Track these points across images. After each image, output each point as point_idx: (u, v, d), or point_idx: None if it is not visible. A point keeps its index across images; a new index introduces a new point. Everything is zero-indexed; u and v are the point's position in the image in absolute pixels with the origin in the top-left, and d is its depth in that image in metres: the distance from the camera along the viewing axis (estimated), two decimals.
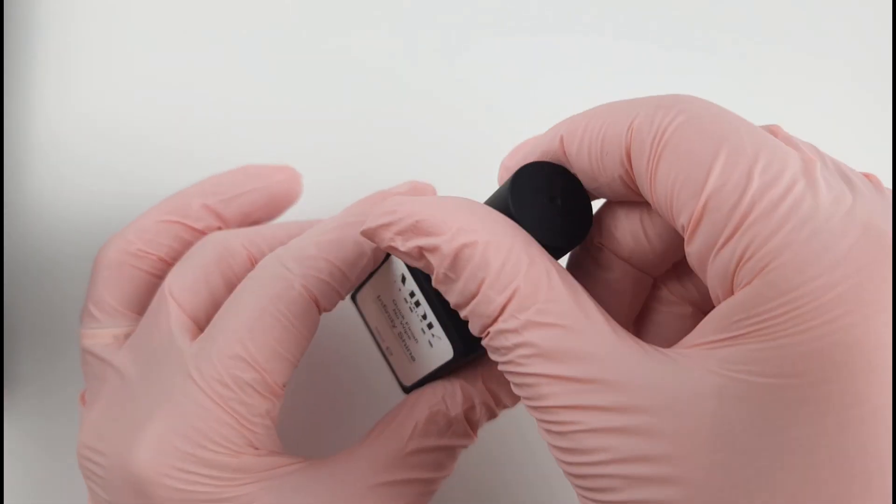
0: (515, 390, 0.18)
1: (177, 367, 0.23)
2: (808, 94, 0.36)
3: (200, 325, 0.25)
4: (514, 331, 0.18)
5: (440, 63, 0.35)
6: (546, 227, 0.19)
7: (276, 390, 0.23)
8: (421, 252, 0.19)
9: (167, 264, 0.27)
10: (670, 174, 0.17)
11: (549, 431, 0.18)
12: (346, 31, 0.35)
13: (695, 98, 0.18)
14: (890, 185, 0.20)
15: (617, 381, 0.17)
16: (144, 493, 0.22)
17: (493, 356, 0.19)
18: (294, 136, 0.34)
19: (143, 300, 0.27)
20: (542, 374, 0.17)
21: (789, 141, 0.18)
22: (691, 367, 0.16)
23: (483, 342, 0.19)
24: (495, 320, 0.18)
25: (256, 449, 0.23)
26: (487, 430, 0.27)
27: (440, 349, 0.24)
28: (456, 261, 0.18)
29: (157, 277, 0.27)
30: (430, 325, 0.24)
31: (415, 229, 0.19)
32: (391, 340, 0.26)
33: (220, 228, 0.28)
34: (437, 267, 0.19)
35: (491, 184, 0.23)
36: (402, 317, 0.25)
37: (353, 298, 0.27)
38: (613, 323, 0.18)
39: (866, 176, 0.17)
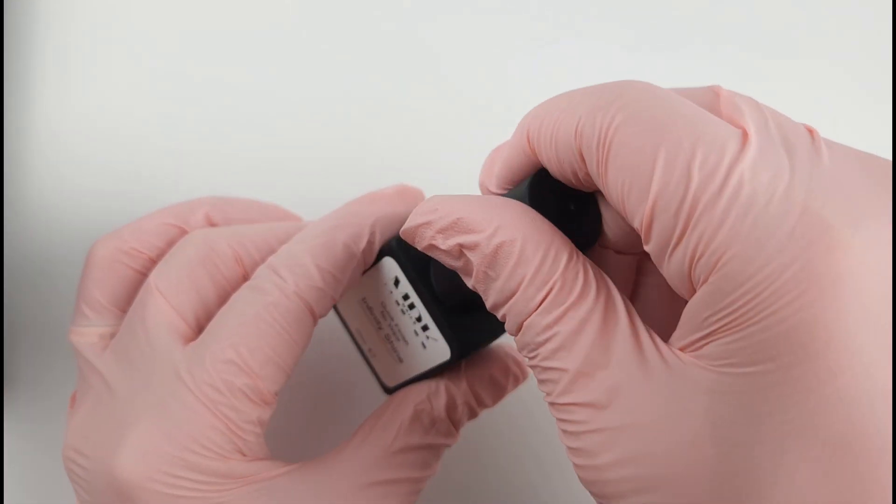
0: (540, 387, 0.19)
1: (166, 368, 0.23)
2: (808, 94, 0.36)
3: (188, 322, 0.25)
4: (548, 326, 0.18)
5: (437, 65, 0.35)
6: (567, 230, 0.19)
7: (267, 398, 0.23)
8: (461, 250, 0.19)
9: None
10: (618, 179, 0.17)
11: (564, 432, 0.18)
12: (346, 32, 0.35)
13: (632, 86, 0.18)
14: None
15: (619, 385, 0.17)
16: (128, 496, 0.22)
17: (522, 352, 0.19)
18: (294, 136, 0.34)
19: (132, 299, 0.26)
20: (560, 368, 0.18)
21: (730, 105, 0.17)
22: (685, 366, 0.17)
23: (515, 338, 0.19)
24: (530, 315, 0.18)
25: (244, 455, 0.23)
26: (474, 431, 0.27)
27: (435, 351, 0.24)
28: (495, 258, 0.18)
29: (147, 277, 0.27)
30: (424, 328, 0.24)
31: (455, 227, 0.19)
32: (375, 342, 0.26)
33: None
34: (478, 265, 0.19)
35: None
36: (392, 319, 0.25)
37: None
38: (635, 321, 0.18)
39: (808, 130, 0.17)
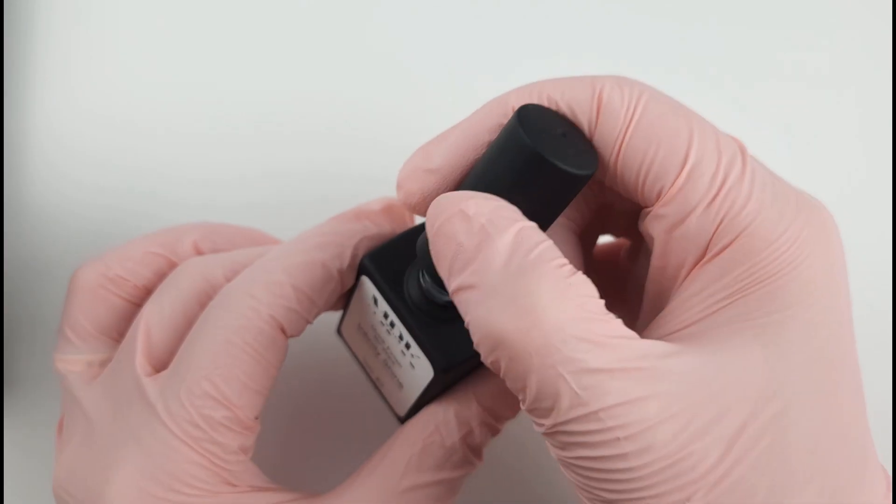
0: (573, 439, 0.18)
1: (143, 406, 0.22)
2: (808, 95, 0.36)
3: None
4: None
5: (434, 69, 0.35)
6: (569, 156, 0.18)
7: (248, 424, 0.22)
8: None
9: (146, 292, 0.26)
10: (648, 143, 0.19)
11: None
12: (346, 33, 0.35)
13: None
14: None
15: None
16: None
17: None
18: (294, 136, 0.34)
19: (119, 326, 0.26)
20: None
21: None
22: (732, 347, 0.18)
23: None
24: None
25: (234, 486, 0.23)
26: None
27: (421, 369, 0.23)
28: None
29: (135, 305, 0.26)
30: (407, 346, 0.23)
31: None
32: (379, 370, 0.25)
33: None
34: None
35: None
36: (383, 341, 0.24)
37: (339, 332, 0.26)
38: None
39: (734, 140, 0.20)
